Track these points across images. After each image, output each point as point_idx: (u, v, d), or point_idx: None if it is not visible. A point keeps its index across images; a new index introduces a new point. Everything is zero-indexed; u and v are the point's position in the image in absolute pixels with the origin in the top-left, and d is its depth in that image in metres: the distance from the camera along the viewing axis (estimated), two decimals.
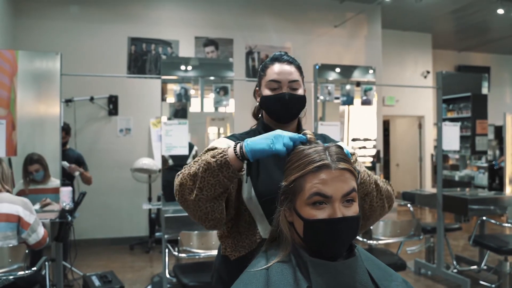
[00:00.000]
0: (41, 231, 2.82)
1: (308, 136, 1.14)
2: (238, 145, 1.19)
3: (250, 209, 1.40)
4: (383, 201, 1.35)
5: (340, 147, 1.06)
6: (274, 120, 1.50)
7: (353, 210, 1.00)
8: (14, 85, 3.67)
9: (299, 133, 1.48)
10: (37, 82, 3.81)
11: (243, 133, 1.56)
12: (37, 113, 3.77)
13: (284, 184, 1.06)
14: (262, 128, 1.53)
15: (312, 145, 1.08)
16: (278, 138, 1.15)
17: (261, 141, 1.17)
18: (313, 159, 1.01)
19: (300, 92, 1.48)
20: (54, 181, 3.67)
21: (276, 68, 1.48)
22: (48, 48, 5.31)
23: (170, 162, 4.18)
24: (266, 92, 1.48)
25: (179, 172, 1.29)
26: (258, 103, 1.57)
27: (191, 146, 4.34)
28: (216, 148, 1.27)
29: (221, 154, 1.19)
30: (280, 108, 1.46)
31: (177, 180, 1.27)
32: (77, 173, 4.39)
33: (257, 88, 1.56)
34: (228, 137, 1.51)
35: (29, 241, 2.75)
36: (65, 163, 4.24)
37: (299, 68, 1.52)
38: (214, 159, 1.19)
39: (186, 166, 1.28)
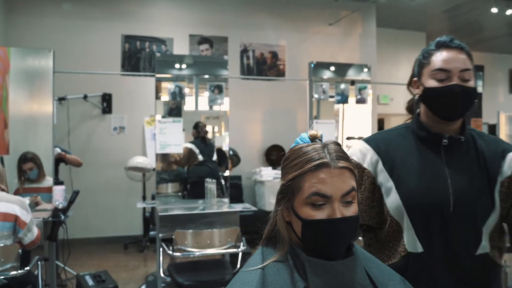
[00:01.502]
0: (35, 230, 2.79)
1: (312, 132, 1.07)
2: None
3: (397, 218, 1.29)
4: None
5: (339, 144, 1.03)
6: (437, 116, 1.30)
7: (353, 210, 0.98)
8: (6, 82, 3.63)
9: (463, 134, 1.32)
10: (30, 79, 3.78)
11: (392, 129, 1.42)
12: (29, 112, 3.74)
13: (282, 183, 1.03)
14: (417, 127, 1.35)
15: (310, 142, 1.05)
16: None
17: None
18: (312, 157, 0.97)
19: (471, 84, 1.26)
20: (49, 180, 3.64)
21: (444, 55, 1.26)
22: (41, 45, 5.26)
23: (200, 157, 4.20)
24: (431, 83, 1.27)
25: None
26: (414, 96, 1.38)
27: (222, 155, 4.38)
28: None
29: None
30: (449, 103, 1.25)
31: None
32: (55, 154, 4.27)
33: (415, 79, 1.36)
34: (367, 140, 1.39)
35: (25, 240, 2.72)
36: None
37: (470, 56, 1.29)
38: None
39: None
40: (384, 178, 1.32)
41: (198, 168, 4.15)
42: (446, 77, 1.25)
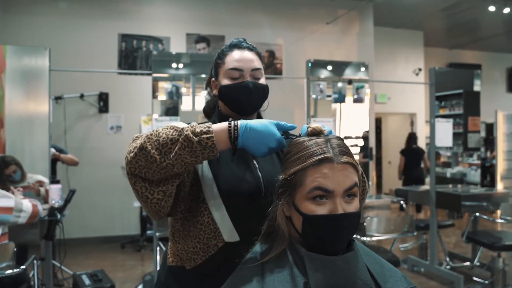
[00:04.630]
0: (28, 207, 2.73)
1: (311, 128, 1.05)
2: (233, 124, 1.07)
3: (212, 210, 1.24)
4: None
5: (342, 139, 1.02)
6: (235, 112, 1.35)
7: (354, 205, 0.97)
8: (2, 81, 3.60)
9: None
10: (26, 78, 3.74)
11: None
12: (25, 110, 3.71)
13: (283, 177, 1.01)
14: (219, 120, 1.30)
15: (312, 136, 1.03)
16: (271, 136, 1.06)
17: (262, 132, 1.06)
18: (315, 152, 0.96)
19: (262, 81, 1.37)
20: (30, 177, 3.61)
21: (236, 55, 1.34)
22: (37, 44, 5.23)
23: None
24: (226, 82, 1.34)
25: (138, 135, 1.14)
26: (213, 96, 1.43)
27: None
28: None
29: (207, 136, 1.05)
30: (244, 98, 1.32)
31: (136, 143, 1.10)
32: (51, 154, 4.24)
33: (213, 79, 1.42)
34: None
35: (19, 221, 2.66)
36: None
37: (259, 56, 1.40)
38: (197, 139, 1.05)
39: (150, 131, 1.12)
40: (206, 171, 1.28)
41: None
42: (239, 76, 1.33)
